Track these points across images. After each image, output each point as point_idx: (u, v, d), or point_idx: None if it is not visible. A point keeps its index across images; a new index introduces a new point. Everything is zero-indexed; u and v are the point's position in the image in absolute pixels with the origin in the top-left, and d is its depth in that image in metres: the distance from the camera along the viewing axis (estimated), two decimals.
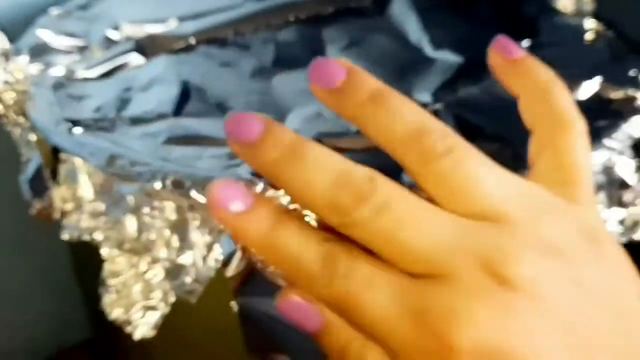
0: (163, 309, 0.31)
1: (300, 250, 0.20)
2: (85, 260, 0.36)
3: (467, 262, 0.19)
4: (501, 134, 0.32)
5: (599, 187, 0.33)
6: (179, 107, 0.33)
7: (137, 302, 0.31)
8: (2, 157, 0.40)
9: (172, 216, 0.30)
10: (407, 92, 0.35)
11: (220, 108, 0.33)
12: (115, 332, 0.33)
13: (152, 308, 0.31)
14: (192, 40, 0.38)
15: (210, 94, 0.34)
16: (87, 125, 0.31)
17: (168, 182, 0.28)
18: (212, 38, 0.38)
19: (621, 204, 0.34)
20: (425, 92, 0.35)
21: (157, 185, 0.28)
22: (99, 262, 0.31)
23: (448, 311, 0.19)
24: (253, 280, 0.29)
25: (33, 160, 0.34)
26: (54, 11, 0.41)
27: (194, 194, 0.28)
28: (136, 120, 0.32)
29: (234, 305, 0.29)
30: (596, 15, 0.43)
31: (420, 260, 0.19)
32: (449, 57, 0.37)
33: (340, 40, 0.39)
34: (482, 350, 0.18)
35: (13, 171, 0.36)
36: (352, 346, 0.22)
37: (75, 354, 0.58)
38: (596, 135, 0.32)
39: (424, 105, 0.34)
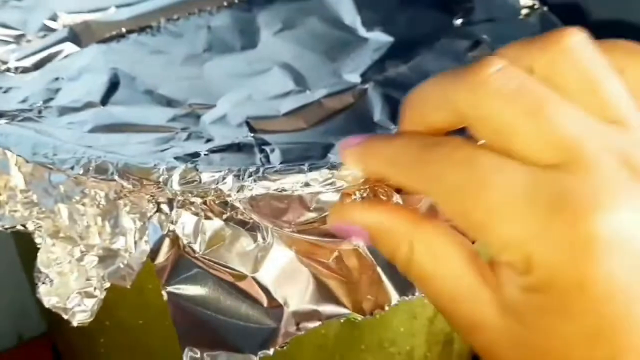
0: (99, 295, 0.31)
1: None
2: (28, 251, 0.36)
3: (605, 153, 0.19)
4: None
5: None
6: (107, 96, 0.33)
7: (73, 290, 0.31)
8: None
9: (103, 202, 0.30)
10: (338, 73, 0.35)
11: (149, 95, 0.34)
12: (62, 323, 0.33)
13: (89, 295, 0.31)
14: (124, 29, 0.38)
15: (140, 81, 0.34)
16: (12, 116, 0.31)
17: (91, 168, 0.28)
18: (144, 26, 0.38)
19: None
20: (355, 72, 0.35)
21: (80, 171, 0.28)
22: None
23: (587, 197, 0.18)
24: (183, 268, 0.29)
25: None
26: None
27: (118, 178, 0.28)
28: (64, 110, 0.32)
29: (163, 294, 0.29)
30: None
31: (556, 147, 0.19)
32: (380, 37, 0.38)
33: (274, 24, 0.39)
34: (617, 240, 0.18)
35: None
36: (400, 252, 0.23)
37: (35, 347, 0.58)
38: None
39: (354, 86, 0.34)
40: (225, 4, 0.40)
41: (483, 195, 0.20)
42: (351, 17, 0.40)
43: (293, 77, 0.35)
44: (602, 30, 0.24)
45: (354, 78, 0.35)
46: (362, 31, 0.39)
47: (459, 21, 0.40)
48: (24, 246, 0.39)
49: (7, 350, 0.58)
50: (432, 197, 0.21)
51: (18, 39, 0.39)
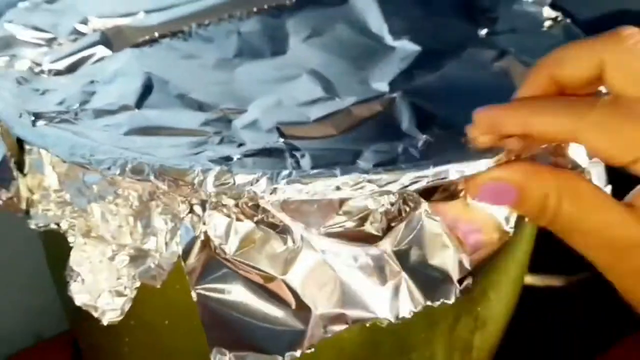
0: (129, 295, 0.32)
1: None
2: (56, 250, 0.36)
3: None
4: (453, 122, 0.33)
5: None
6: (142, 99, 0.34)
7: (104, 288, 0.32)
8: None
9: (135, 203, 0.31)
10: (366, 81, 0.36)
11: (182, 99, 0.34)
12: (87, 322, 0.34)
13: (119, 293, 0.32)
14: (156, 34, 0.38)
15: (173, 85, 0.35)
16: (50, 118, 0.32)
17: (127, 169, 0.29)
18: (175, 31, 0.39)
19: None
20: (383, 81, 0.36)
21: (117, 172, 0.29)
22: (68, 251, 0.32)
23: None
24: (213, 269, 0.30)
25: None
26: (22, 4, 0.42)
27: (153, 179, 0.28)
28: (99, 113, 0.33)
29: (193, 294, 0.29)
30: (553, 3, 0.44)
31: None
32: (407, 46, 0.39)
33: (302, 30, 0.40)
34: None
35: None
36: (549, 201, 0.26)
37: (54, 346, 0.59)
38: None
39: (382, 95, 0.35)
40: (255, 9, 0.41)
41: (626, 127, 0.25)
42: (378, 25, 0.40)
43: (322, 84, 0.35)
44: None
45: (382, 87, 0.35)
46: (389, 39, 0.39)
47: (483, 31, 0.41)
48: (52, 246, 0.40)
49: (25, 349, 0.59)
50: (578, 134, 0.25)
51: (50, 42, 0.40)
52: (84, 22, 0.41)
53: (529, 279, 0.43)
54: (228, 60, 0.37)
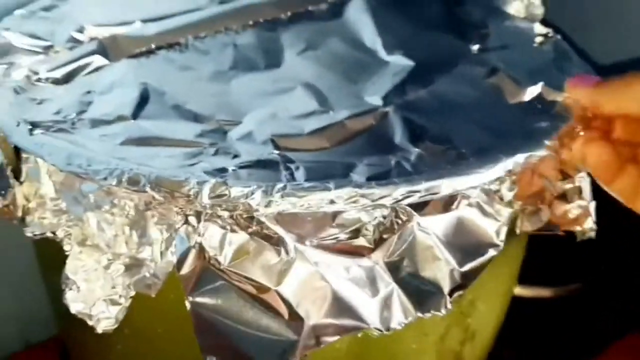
0: (124, 303, 0.32)
1: None
2: (50, 258, 0.37)
3: None
4: (445, 136, 0.33)
5: None
6: (138, 110, 0.34)
7: (99, 297, 0.32)
8: None
9: (131, 213, 0.31)
10: (360, 95, 0.36)
11: (177, 110, 0.35)
12: (79, 329, 0.34)
13: (114, 302, 0.32)
14: (153, 45, 0.39)
15: (169, 96, 0.35)
16: (47, 127, 0.32)
17: (124, 179, 0.29)
18: (172, 42, 0.39)
19: (565, 198, 0.36)
20: (376, 95, 0.36)
21: (114, 182, 0.29)
22: (62, 259, 0.32)
23: None
24: (207, 279, 0.30)
25: None
26: (19, 12, 0.42)
27: (149, 190, 0.29)
28: (96, 122, 0.33)
29: (187, 304, 0.30)
30: (545, 20, 0.45)
31: None
32: (401, 61, 0.39)
33: (297, 44, 0.40)
34: None
35: None
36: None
37: (42, 351, 0.59)
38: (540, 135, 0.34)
39: (375, 108, 0.36)
40: (250, 23, 0.41)
41: None
42: (372, 39, 0.41)
43: (316, 97, 0.36)
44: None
45: (376, 100, 0.36)
46: (382, 54, 0.40)
47: (475, 47, 0.41)
48: (46, 254, 0.40)
49: (14, 354, 0.58)
50: None
51: (46, 49, 0.40)
52: (81, 30, 0.41)
53: (519, 290, 0.44)
54: (224, 72, 0.38)
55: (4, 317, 0.55)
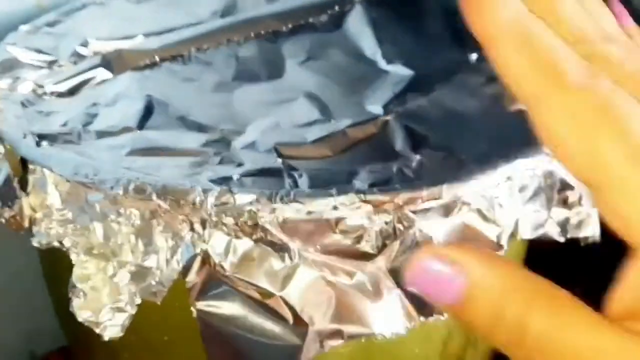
0: (130, 311, 0.32)
1: None
2: (56, 268, 0.37)
3: None
4: (446, 144, 0.34)
5: (539, 190, 0.35)
6: (143, 121, 0.35)
7: (105, 305, 0.32)
8: None
9: (137, 222, 0.31)
10: (361, 104, 0.37)
11: (182, 121, 0.35)
12: (86, 338, 0.34)
13: (120, 310, 0.32)
14: (157, 57, 0.40)
15: (173, 107, 0.36)
16: (54, 138, 0.33)
17: (130, 188, 0.29)
18: (175, 55, 0.40)
19: (566, 204, 0.37)
20: (377, 104, 0.37)
21: (120, 191, 0.30)
22: (68, 268, 0.33)
23: None
24: (212, 285, 0.30)
25: (2, 170, 0.35)
26: (24, 27, 0.43)
27: (155, 199, 0.29)
28: (102, 134, 0.34)
29: (193, 311, 0.30)
30: None
31: None
32: (400, 71, 0.40)
33: (298, 55, 0.41)
34: None
35: None
36: (509, 311, 0.18)
37: None
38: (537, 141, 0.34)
39: (376, 117, 0.36)
40: (252, 35, 0.42)
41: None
42: (372, 50, 0.41)
43: (318, 106, 0.37)
44: None
45: (377, 109, 0.36)
46: (382, 64, 0.40)
47: (474, 56, 0.42)
48: (51, 264, 0.40)
49: None
50: None
51: (51, 64, 0.40)
52: (84, 44, 0.42)
53: None
54: (226, 83, 0.38)
55: (10, 329, 0.56)
